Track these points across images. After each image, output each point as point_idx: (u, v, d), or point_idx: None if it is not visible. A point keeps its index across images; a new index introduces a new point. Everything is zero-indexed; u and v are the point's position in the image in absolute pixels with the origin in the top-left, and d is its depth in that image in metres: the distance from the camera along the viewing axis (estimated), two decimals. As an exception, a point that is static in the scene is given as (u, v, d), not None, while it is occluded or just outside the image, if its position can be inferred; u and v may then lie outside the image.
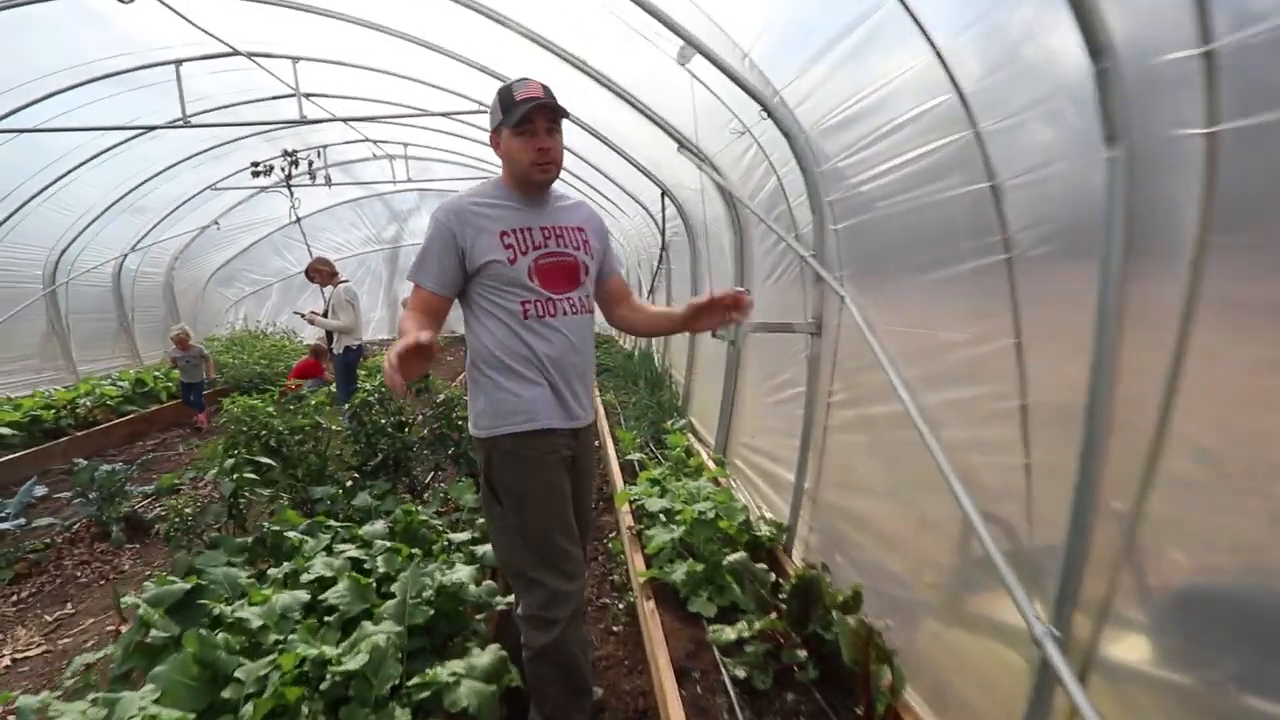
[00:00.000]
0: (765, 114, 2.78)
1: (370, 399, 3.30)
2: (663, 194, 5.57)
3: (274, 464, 2.75)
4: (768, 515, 3.44)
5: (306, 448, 3.14)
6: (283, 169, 9.87)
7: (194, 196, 10.22)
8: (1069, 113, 1.44)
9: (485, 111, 6.37)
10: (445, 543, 2.61)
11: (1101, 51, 1.31)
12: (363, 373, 7.25)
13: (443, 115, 6.92)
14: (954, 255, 1.88)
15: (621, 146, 5.37)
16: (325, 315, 6.44)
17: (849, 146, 2.34)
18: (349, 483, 3.14)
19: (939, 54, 1.69)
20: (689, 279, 5.91)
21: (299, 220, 11.54)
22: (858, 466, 2.66)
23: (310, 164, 10.32)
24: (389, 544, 2.44)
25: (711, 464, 4.31)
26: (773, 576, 2.67)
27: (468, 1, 3.76)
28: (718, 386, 4.93)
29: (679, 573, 2.50)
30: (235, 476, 2.52)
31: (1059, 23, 1.34)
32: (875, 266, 2.46)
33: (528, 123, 1.77)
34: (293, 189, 10.34)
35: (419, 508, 2.82)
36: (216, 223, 11.63)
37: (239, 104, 7.68)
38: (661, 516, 3.03)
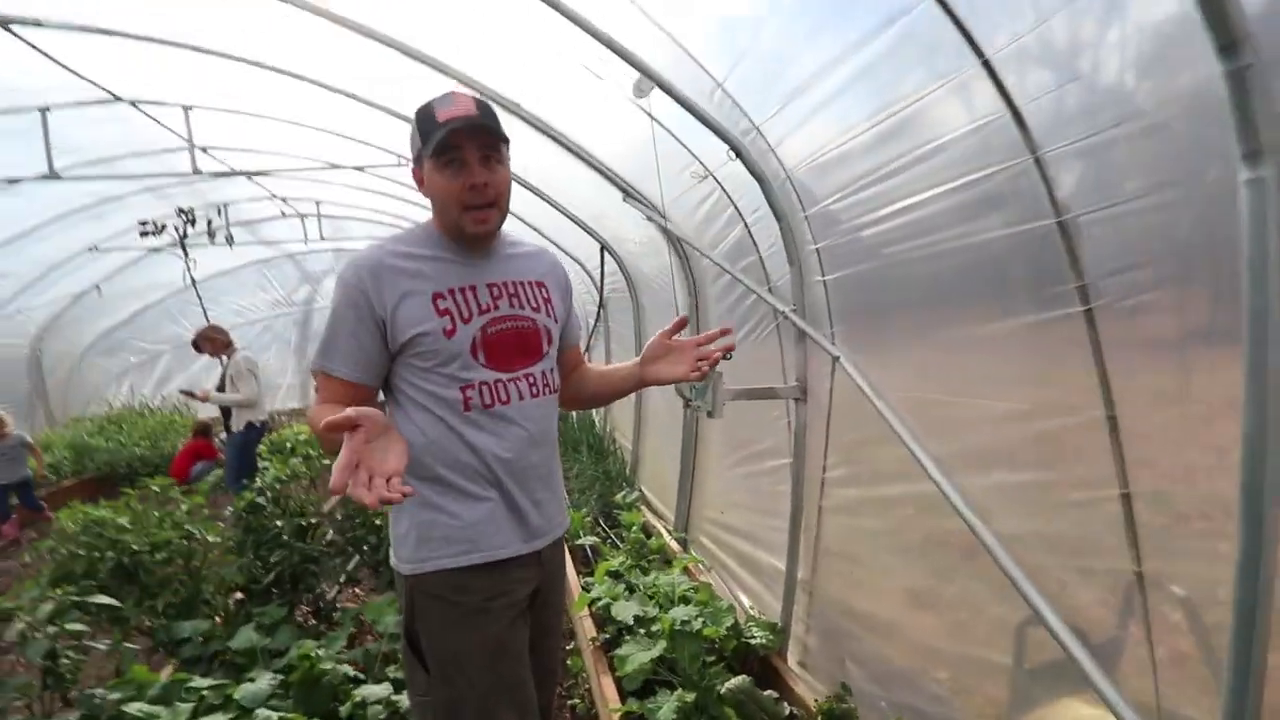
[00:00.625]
0: (734, 155, 2.47)
1: (260, 499, 2.63)
2: (601, 249, 5.22)
3: (117, 604, 2.05)
4: (753, 609, 2.98)
5: (172, 569, 2.44)
6: (177, 228, 8.99)
7: (70, 260, 9.10)
8: (1179, 125, 1.13)
9: (404, 165, 5.90)
10: (358, 700, 1.97)
11: (1236, 46, 1.01)
12: (264, 449, 6.37)
13: (355, 169, 6.39)
14: (1001, 308, 1.55)
15: (556, 199, 5.01)
16: (221, 388, 5.60)
17: (847, 185, 2.03)
18: (231, 608, 2.45)
19: (987, 63, 1.38)
20: (631, 339, 5.52)
21: (194, 284, 10.56)
22: (867, 556, 2.25)
23: (209, 223, 9.44)
24: (278, 717, 1.79)
25: (674, 544, 3.82)
26: (786, 710, 2.18)
27: (381, 37, 3.34)
28: (671, 453, 4.49)
29: (667, 709, 1.99)
30: (55, 628, 1.83)
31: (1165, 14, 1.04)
32: (879, 322, 2.13)
33: (452, 149, 1.33)
34: (188, 250, 9.43)
35: (321, 648, 2.18)
36: (98, 288, 10.44)
37: (122, 156, 6.88)
38: (634, 625, 2.51)
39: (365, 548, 2.73)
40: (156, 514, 2.69)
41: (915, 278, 1.88)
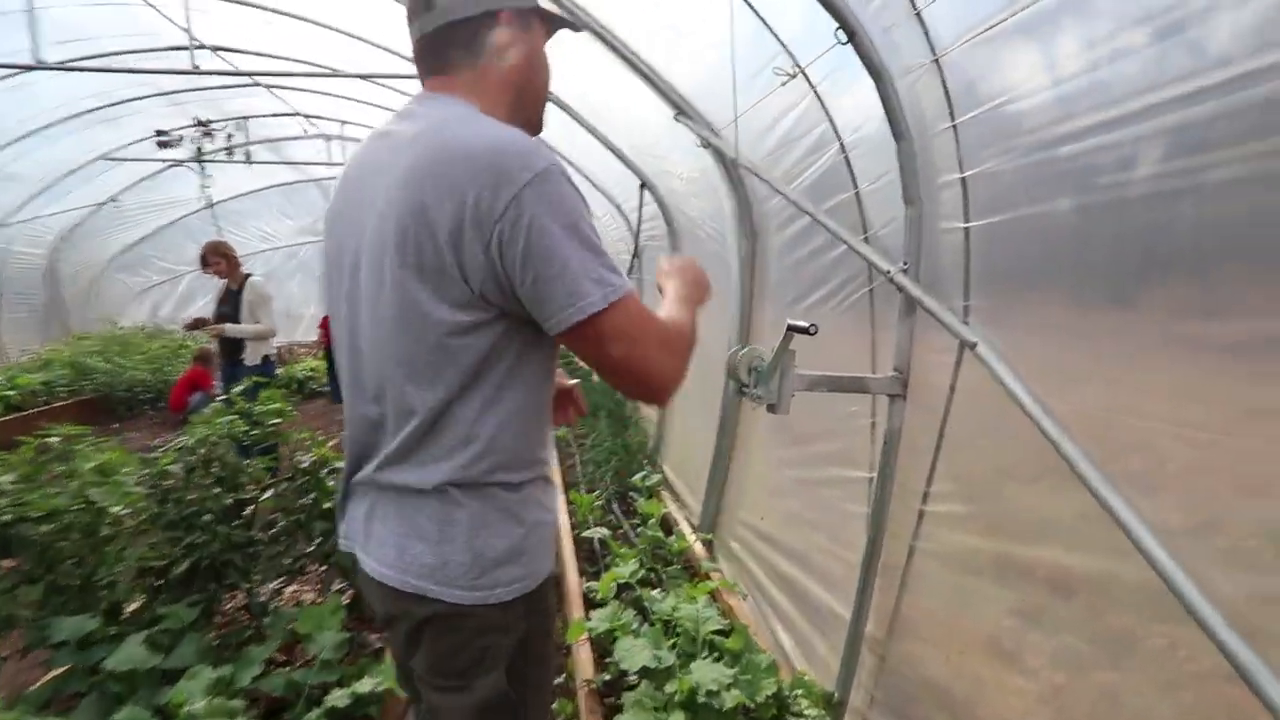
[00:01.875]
0: (845, 36, 1.68)
1: (188, 459, 2.02)
2: (641, 186, 4.44)
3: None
4: (794, 651, 2.32)
5: (67, 544, 1.88)
6: (194, 140, 8.42)
7: (83, 167, 8.63)
8: None
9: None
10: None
11: None
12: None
13: (383, 77, 5.64)
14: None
15: (595, 125, 4.23)
16: (231, 318, 4.73)
17: (1046, 67, 1.25)
18: (149, 599, 1.89)
19: None
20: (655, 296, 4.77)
21: (212, 205, 10.06)
22: (980, 634, 1.55)
23: (229, 137, 8.84)
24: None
25: (699, 547, 3.17)
26: None
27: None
28: (703, 434, 3.81)
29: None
30: None
31: None
32: (1059, 297, 1.38)
33: (560, 30, 1.11)
34: (204, 165, 8.88)
35: (230, 672, 1.59)
36: (115, 199, 10.03)
37: (123, 52, 6.25)
38: (644, 677, 1.87)
39: (317, 534, 2.13)
40: (63, 470, 2.11)
41: (1157, 229, 1.11)
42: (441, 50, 1.00)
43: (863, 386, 1.85)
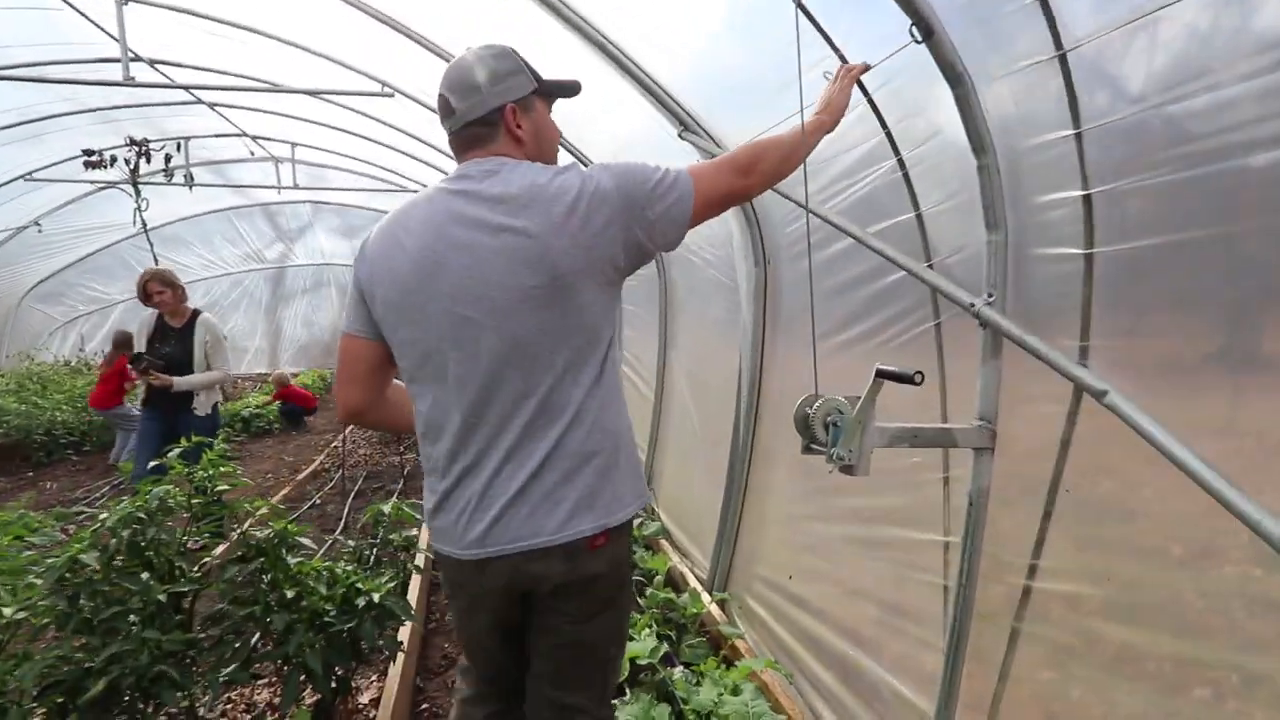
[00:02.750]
0: (921, 34, 1.44)
1: (109, 544, 1.58)
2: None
3: None
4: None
5: None
6: (128, 161, 7.79)
7: (1, 187, 7.89)
8: None
9: (385, 95, 4.69)
10: None
11: None
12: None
13: (332, 94, 5.25)
14: None
15: (574, 144, 3.95)
16: (178, 361, 3.87)
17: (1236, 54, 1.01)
18: None
19: None
20: (657, 327, 4.48)
21: (146, 229, 9.35)
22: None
23: (168, 159, 8.22)
24: None
25: (715, 609, 2.83)
26: None
27: None
28: (704, 474, 3.50)
29: None
30: None
31: None
32: (1242, 340, 1.13)
33: (563, 98, 1.41)
34: (139, 187, 8.23)
35: None
36: (37, 224, 9.24)
37: (45, 63, 5.70)
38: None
39: (271, 624, 1.70)
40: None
41: None
42: (471, 138, 1.31)
43: (950, 440, 1.57)
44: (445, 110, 1.31)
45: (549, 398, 1.21)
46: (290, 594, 1.74)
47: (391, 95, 5.17)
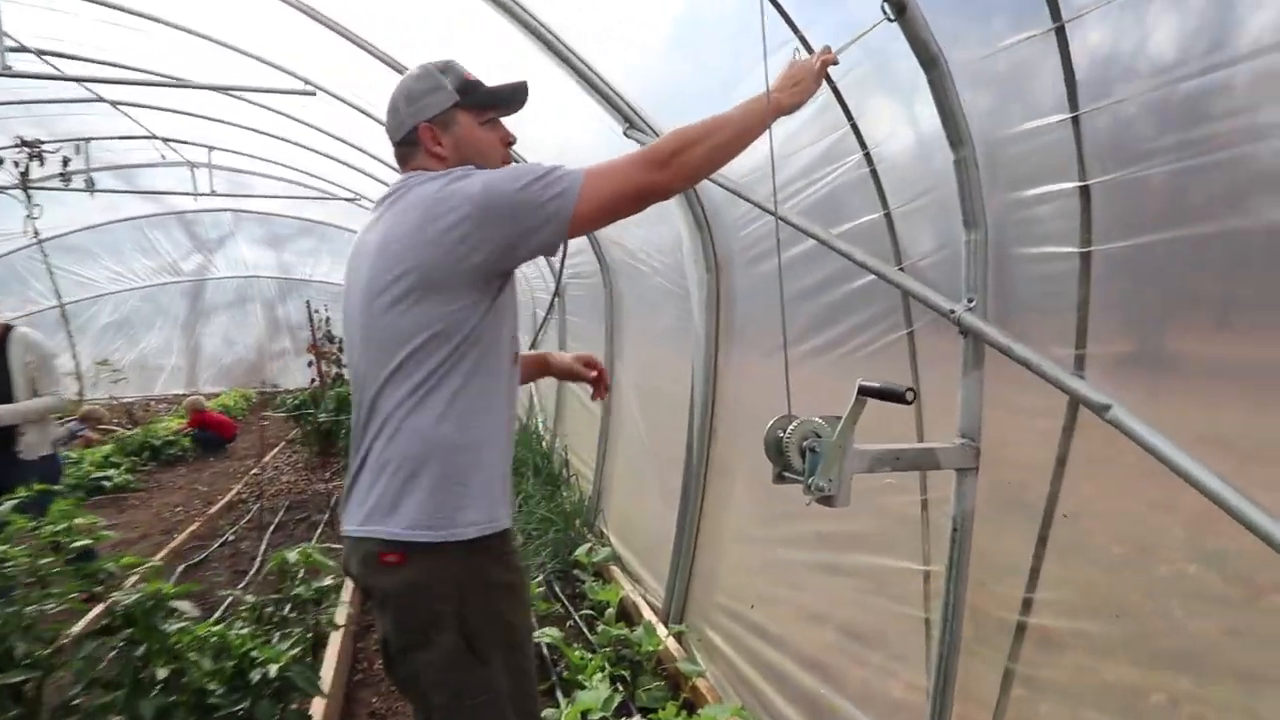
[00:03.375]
0: (895, 12, 1.29)
1: None
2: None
3: None
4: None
5: None
6: (16, 163, 7.08)
7: None
8: None
9: (307, 94, 4.34)
10: None
11: None
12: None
13: (243, 90, 4.85)
14: None
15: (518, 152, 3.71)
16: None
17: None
18: None
19: None
20: (604, 339, 4.27)
21: (39, 239, 8.52)
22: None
23: (66, 162, 7.51)
24: None
25: (672, 644, 2.62)
26: None
27: None
28: (655, 491, 3.31)
29: None
30: None
31: None
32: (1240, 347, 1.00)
33: (502, 109, 1.39)
34: (30, 193, 7.49)
35: None
36: (-94, 233, 8.33)
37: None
38: None
39: (140, 712, 1.36)
40: None
41: None
42: (401, 155, 1.37)
43: (933, 461, 1.42)
44: (389, 134, 1.37)
45: (376, 401, 1.25)
46: (165, 672, 1.42)
47: (314, 94, 4.80)
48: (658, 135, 2.58)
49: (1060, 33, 1.10)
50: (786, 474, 1.29)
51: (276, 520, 4.61)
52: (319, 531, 4.26)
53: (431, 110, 1.30)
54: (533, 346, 6.10)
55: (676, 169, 1.17)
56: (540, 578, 3.32)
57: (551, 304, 5.62)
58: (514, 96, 1.35)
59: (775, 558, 2.27)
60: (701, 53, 2.33)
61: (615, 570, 3.35)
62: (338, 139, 5.76)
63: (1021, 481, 1.37)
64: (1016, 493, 1.38)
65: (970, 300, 1.43)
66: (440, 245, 1.16)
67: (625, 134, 2.58)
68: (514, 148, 1.40)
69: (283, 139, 6.58)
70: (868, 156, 1.67)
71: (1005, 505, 1.41)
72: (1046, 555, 1.31)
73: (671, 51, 2.47)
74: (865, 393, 1.15)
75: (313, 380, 7.54)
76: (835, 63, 1.38)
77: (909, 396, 1.09)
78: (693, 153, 1.18)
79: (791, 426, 1.24)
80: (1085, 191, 1.17)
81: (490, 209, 1.15)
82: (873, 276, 1.69)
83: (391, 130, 1.34)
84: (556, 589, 3.32)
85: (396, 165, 1.39)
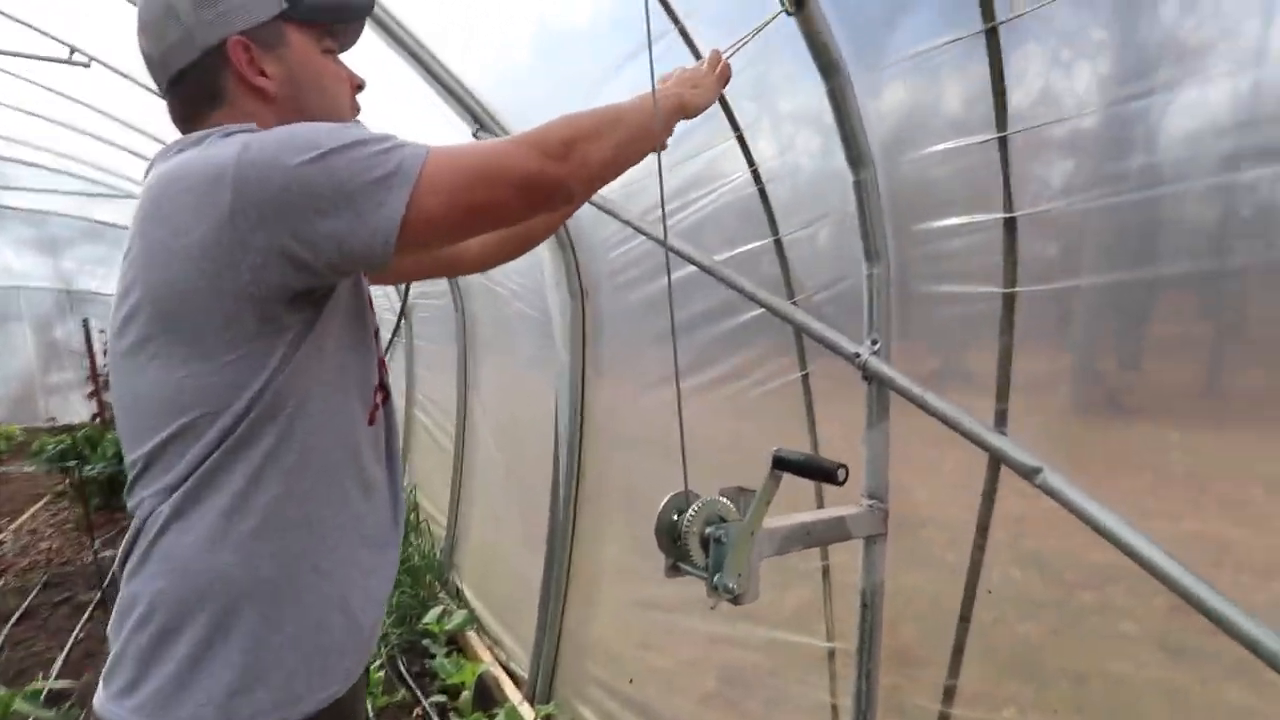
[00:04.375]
0: (794, 4, 1.10)
1: None
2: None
3: None
4: None
5: None
6: None
7: None
8: None
9: (77, 65, 3.51)
10: None
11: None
12: None
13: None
14: None
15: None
16: None
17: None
18: None
19: None
20: (450, 363, 3.83)
21: None
22: None
23: None
24: None
25: (539, 726, 2.27)
26: None
27: None
28: (519, 544, 2.95)
29: None
30: None
31: None
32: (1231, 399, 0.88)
33: (347, 25, 0.92)
34: None
35: None
36: None
37: None
38: None
39: None
40: None
41: None
42: (185, 102, 0.85)
43: (843, 531, 1.21)
44: (147, 64, 0.86)
45: (133, 493, 0.82)
46: None
47: (87, 65, 3.94)
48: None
49: (992, 35, 0.94)
50: (683, 566, 1.02)
51: (26, 604, 3.59)
52: (84, 621, 3.35)
53: (246, 15, 0.81)
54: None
55: (577, 164, 0.80)
56: (382, 655, 2.81)
57: (397, 325, 5.04)
58: (361, 8, 0.92)
59: (658, 624, 2.01)
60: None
61: (472, 637, 2.92)
62: (122, 123, 4.79)
63: (938, 550, 1.21)
64: (933, 563, 1.22)
65: (875, 343, 1.26)
66: (176, 260, 0.73)
67: (475, 136, 2.23)
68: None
69: (52, 120, 5.38)
70: (756, 174, 1.46)
71: (920, 577, 1.25)
72: (969, 638, 1.15)
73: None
74: (783, 466, 0.91)
75: (95, 416, 6.26)
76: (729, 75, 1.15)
77: (840, 476, 0.86)
78: (593, 148, 0.81)
79: (692, 510, 0.97)
80: (1011, 224, 1.02)
81: (251, 191, 0.70)
82: (762, 310, 1.49)
83: (163, 56, 0.82)
84: (401, 666, 2.83)
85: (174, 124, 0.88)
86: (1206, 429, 0.93)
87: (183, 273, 0.72)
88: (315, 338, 0.79)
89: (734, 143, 1.47)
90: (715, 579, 0.96)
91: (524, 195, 0.78)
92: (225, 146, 0.73)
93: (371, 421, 0.89)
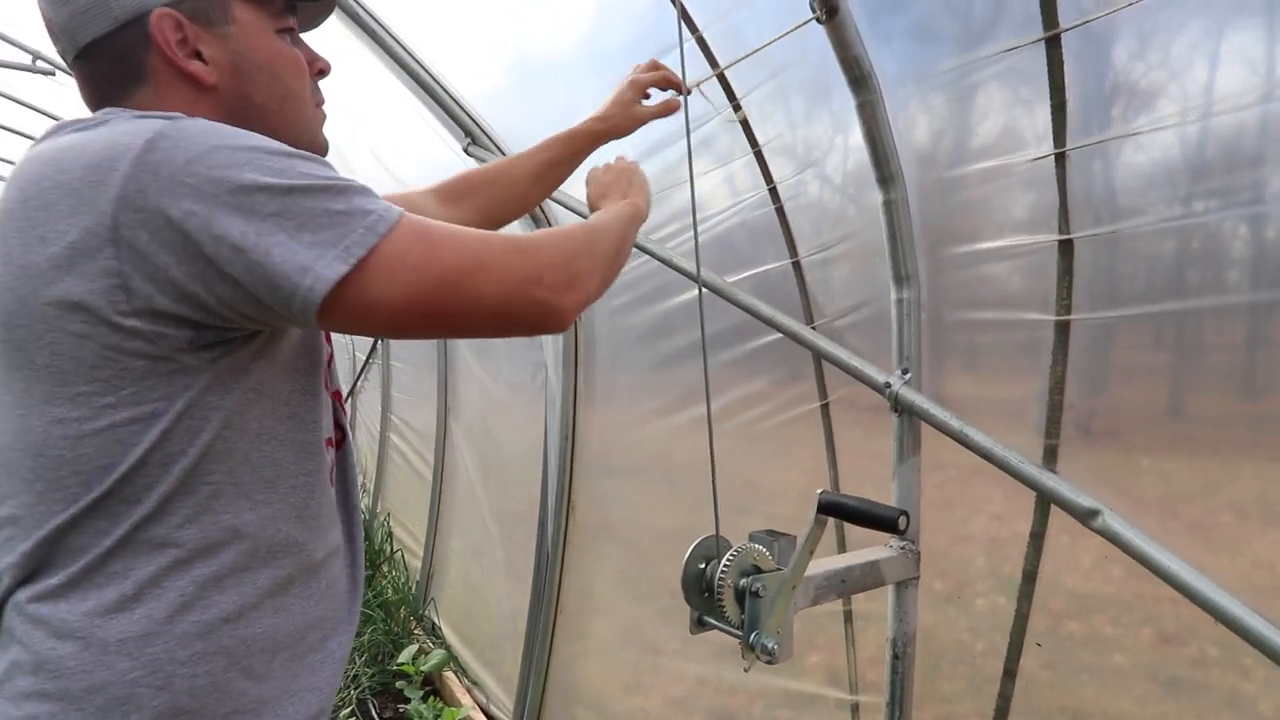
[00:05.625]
0: (826, 12, 1.03)
1: None
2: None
3: None
4: None
5: None
6: None
7: None
8: None
9: (41, 73, 3.34)
10: None
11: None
12: None
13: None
14: None
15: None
16: None
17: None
18: None
19: None
20: (435, 392, 3.68)
21: None
22: None
23: None
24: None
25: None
26: None
27: None
28: (495, 568, 2.81)
29: None
30: None
31: None
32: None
33: (311, 10, 0.77)
34: None
35: None
36: None
37: None
38: None
39: None
40: None
41: None
42: (95, 82, 0.68)
43: (878, 577, 1.12)
44: (48, 30, 0.68)
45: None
46: None
47: (52, 73, 3.77)
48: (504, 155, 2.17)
49: (1053, 44, 0.87)
50: (712, 622, 0.91)
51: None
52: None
53: None
54: (349, 397, 5.23)
55: (583, 293, 0.66)
56: (351, 698, 2.62)
57: (374, 346, 4.87)
58: None
59: (655, 669, 1.88)
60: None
61: (451, 678, 2.74)
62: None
63: (977, 598, 1.12)
64: (971, 614, 1.13)
65: (905, 371, 1.18)
66: (34, 274, 0.57)
67: (466, 151, 2.13)
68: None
69: (14, 130, 5.15)
70: (774, 192, 1.39)
71: (957, 627, 1.15)
72: (1015, 695, 1.06)
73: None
74: (832, 512, 0.82)
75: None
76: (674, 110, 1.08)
77: (901, 524, 0.77)
78: (591, 271, 0.68)
79: (728, 559, 0.86)
80: (1067, 247, 0.95)
81: (147, 201, 0.55)
82: (776, 335, 1.41)
83: (68, 25, 0.65)
84: (373, 710, 2.63)
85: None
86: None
87: (42, 291, 0.56)
88: (240, 382, 0.62)
89: (751, 158, 1.40)
90: (752, 638, 0.85)
91: (506, 318, 0.64)
92: (125, 134, 0.57)
93: (331, 480, 0.74)
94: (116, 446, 0.58)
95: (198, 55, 0.67)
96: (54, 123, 0.67)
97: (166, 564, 0.60)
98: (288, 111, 0.72)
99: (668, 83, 1.08)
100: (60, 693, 0.57)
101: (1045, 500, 1.02)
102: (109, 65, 0.66)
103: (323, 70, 0.78)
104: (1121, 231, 0.89)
